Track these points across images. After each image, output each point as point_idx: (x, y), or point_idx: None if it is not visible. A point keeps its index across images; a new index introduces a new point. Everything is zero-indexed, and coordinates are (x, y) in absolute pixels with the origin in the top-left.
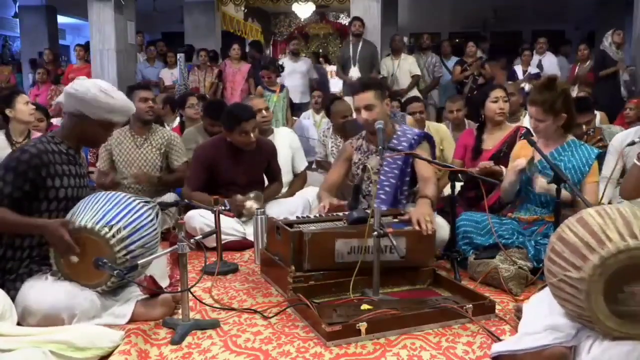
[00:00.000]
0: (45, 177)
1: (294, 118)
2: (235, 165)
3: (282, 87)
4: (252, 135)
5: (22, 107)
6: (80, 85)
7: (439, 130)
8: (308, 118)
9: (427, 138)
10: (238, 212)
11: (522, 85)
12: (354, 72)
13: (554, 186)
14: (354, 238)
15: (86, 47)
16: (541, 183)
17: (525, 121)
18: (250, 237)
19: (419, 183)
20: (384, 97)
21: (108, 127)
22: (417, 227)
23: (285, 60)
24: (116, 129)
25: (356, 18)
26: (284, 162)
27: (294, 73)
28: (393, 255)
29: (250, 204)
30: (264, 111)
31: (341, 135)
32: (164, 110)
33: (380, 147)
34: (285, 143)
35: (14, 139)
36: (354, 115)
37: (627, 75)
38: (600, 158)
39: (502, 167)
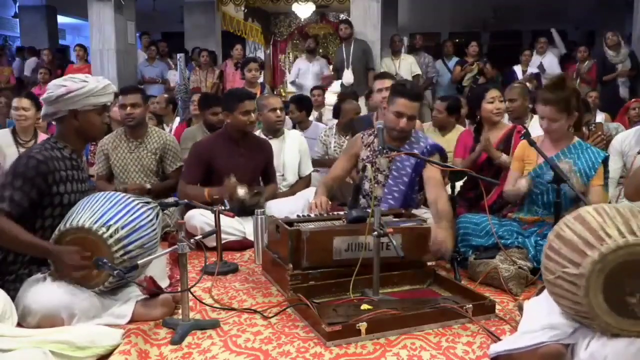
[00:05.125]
0: (51, 184)
1: (310, 120)
2: (233, 161)
3: (263, 87)
4: (253, 116)
5: (12, 112)
6: (50, 87)
7: (459, 130)
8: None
9: (440, 150)
10: (229, 194)
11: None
12: (348, 75)
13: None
14: (352, 235)
15: (85, 47)
16: (523, 183)
17: (532, 125)
18: (250, 237)
19: (428, 199)
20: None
21: (100, 111)
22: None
23: (300, 61)
24: (113, 131)
25: (343, 21)
26: (291, 164)
27: (307, 73)
28: (389, 251)
29: (242, 192)
30: (278, 111)
31: (346, 133)
32: (166, 110)
33: (380, 146)
34: (295, 146)
35: (19, 137)
36: (376, 115)
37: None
38: (607, 161)
39: (502, 154)
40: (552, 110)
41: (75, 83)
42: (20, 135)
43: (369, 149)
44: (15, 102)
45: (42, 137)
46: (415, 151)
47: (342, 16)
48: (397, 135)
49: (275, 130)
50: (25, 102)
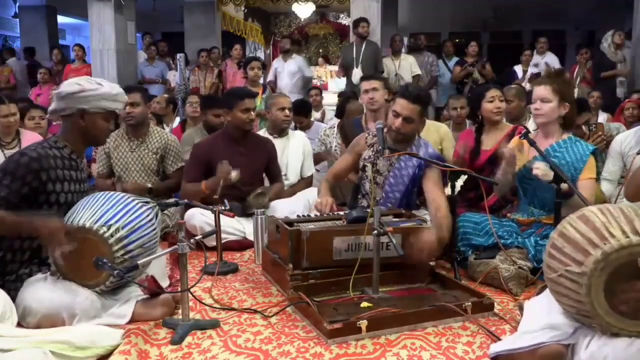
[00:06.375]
0: (45, 181)
1: (312, 120)
2: (233, 161)
3: (265, 88)
4: (252, 114)
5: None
6: (65, 85)
7: (440, 129)
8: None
9: (439, 159)
10: (225, 178)
11: (524, 84)
12: (358, 74)
13: (551, 172)
14: (352, 235)
15: (83, 47)
16: (540, 166)
17: (530, 125)
18: (250, 237)
19: (429, 208)
20: (423, 115)
21: (108, 117)
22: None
23: (276, 60)
24: (113, 132)
25: (363, 19)
26: (294, 165)
27: (283, 73)
28: (390, 251)
29: (234, 174)
30: (286, 110)
31: (345, 135)
32: (166, 110)
33: (380, 147)
34: (299, 146)
35: (1, 140)
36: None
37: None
38: (597, 154)
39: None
40: (546, 90)
41: (90, 84)
42: (2, 137)
43: (371, 149)
44: (4, 110)
45: (27, 135)
46: (415, 158)
47: (342, 16)
48: (394, 137)
49: (282, 130)
50: (14, 108)
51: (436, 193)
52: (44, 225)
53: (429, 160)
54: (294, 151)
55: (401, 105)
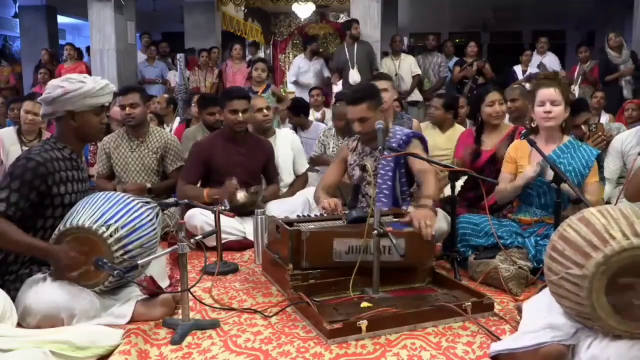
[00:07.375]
0: (51, 185)
1: (311, 120)
2: (231, 160)
3: (267, 86)
4: (241, 115)
5: (22, 114)
6: (49, 87)
7: (457, 130)
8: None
9: (418, 137)
10: (229, 197)
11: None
12: (355, 75)
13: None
14: (352, 238)
15: (74, 46)
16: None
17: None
18: (250, 237)
19: (416, 179)
20: (378, 104)
21: (99, 111)
22: (418, 230)
23: (300, 59)
24: (114, 131)
25: (354, 20)
26: (285, 163)
27: (309, 72)
28: (392, 255)
29: (241, 195)
30: (264, 110)
31: (343, 135)
32: (166, 110)
33: (379, 147)
34: (287, 144)
35: (24, 137)
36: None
37: (629, 76)
38: (600, 158)
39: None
40: (556, 92)
41: (72, 84)
42: (25, 135)
43: (354, 152)
44: (28, 106)
45: (47, 136)
46: (394, 144)
47: (342, 16)
48: (364, 140)
49: (265, 130)
50: (38, 107)
51: (421, 164)
52: (53, 251)
53: (423, 158)
54: (282, 150)
55: (350, 111)
